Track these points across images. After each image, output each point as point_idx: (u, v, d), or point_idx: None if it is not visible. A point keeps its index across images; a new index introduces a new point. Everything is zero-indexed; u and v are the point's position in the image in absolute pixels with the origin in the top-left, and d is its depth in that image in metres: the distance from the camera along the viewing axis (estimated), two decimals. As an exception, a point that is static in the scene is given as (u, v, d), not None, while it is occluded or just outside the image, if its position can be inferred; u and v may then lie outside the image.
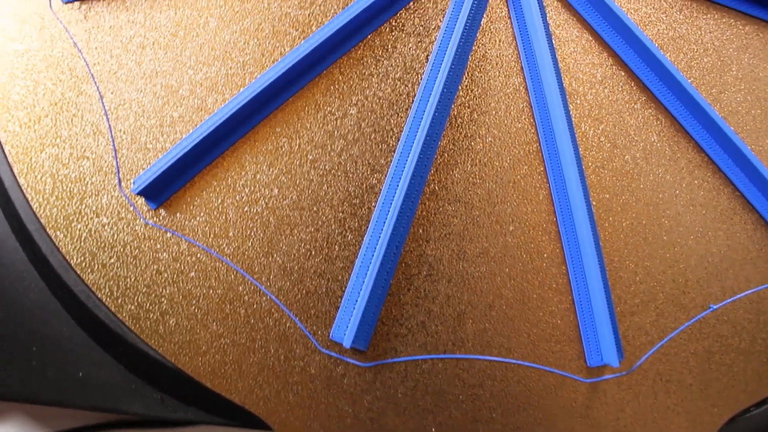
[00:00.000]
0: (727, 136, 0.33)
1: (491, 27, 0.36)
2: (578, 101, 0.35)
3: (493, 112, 0.35)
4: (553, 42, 0.36)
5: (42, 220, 0.34)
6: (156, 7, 0.36)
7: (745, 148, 0.33)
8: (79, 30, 0.36)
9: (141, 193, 0.32)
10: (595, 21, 0.36)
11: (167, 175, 0.32)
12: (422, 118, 0.33)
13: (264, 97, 0.34)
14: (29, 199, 0.35)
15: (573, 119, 0.35)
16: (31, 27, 0.37)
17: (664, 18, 0.37)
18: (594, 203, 0.34)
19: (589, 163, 0.34)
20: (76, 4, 0.37)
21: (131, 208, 0.34)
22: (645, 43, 0.34)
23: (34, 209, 0.34)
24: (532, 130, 0.35)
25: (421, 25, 0.36)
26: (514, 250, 0.33)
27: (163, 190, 0.34)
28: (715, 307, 0.33)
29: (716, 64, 0.36)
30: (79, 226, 0.34)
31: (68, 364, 0.32)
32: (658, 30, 0.37)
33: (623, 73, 0.36)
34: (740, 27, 0.37)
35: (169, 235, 0.33)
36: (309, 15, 0.36)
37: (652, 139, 0.35)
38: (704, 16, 0.37)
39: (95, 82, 0.36)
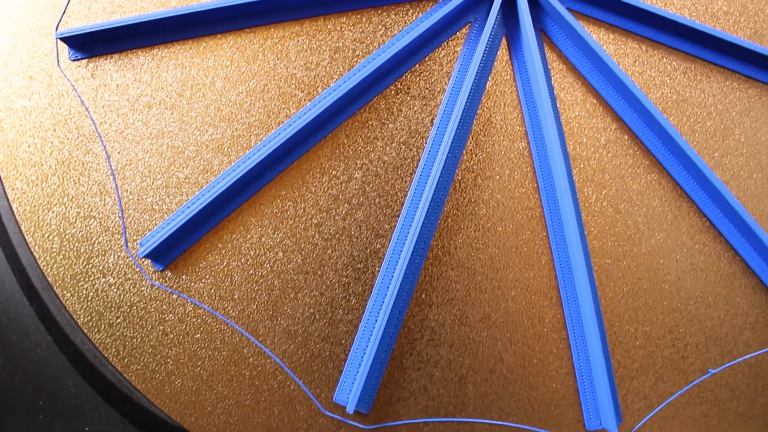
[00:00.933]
0: (727, 202, 0.38)
1: (496, 90, 0.41)
2: (582, 166, 0.40)
3: (497, 177, 0.40)
4: (558, 106, 0.41)
5: (49, 279, 0.39)
6: (163, 66, 0.42)
7: (745, 214, 0.38)
8: (86, 88, 0.42)
9: (148, 256, 0.37)
10: (599, 84, 0.41)
11: (173, 238, 0.38)
12: (427, 183, 0.38)
13: (269, 161, 0.39)
14: (37, 257, 0.40)
15: (576, 184, 0.40)
16: (39, 84, 0.42)
17: (668, 81, 0.42)
18: (595, 268, 0.39)
19: (592, 228, 0.39)
20: (84, 61, 0.42)
21: (138, 269, 0.39)
22: (648, 108, 0.39)
23: (42, 267, 0.39)
24: (536, 195, 0.40)
25: (427, 88, 0.41)
26: (516, 316, 0.38)
27: (169, 252, 0.39)
28: (713, 371, 0.37)
29: (719, 128, 0.41)
30: (86, 286, 0.39)
31: (75, 419, 0.37)
32: (662, 93, 0.42)
33: (626, 137, 0.41)
34: (743, 90, 0.42)
35: (175, 296, 0.39)
36: (314, 77, 0.41)
37: (654, 204, 0.40)
38: (708, 79, 0.42)
39: (102, 142, 0.41)
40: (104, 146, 0.40)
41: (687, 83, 0.41)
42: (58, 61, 0.42)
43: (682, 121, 0.41)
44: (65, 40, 0.40)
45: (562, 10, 0.40)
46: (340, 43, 0.41)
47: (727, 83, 0.42)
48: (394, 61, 0.39)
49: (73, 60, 0.41)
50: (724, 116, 0.41)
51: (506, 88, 0.41)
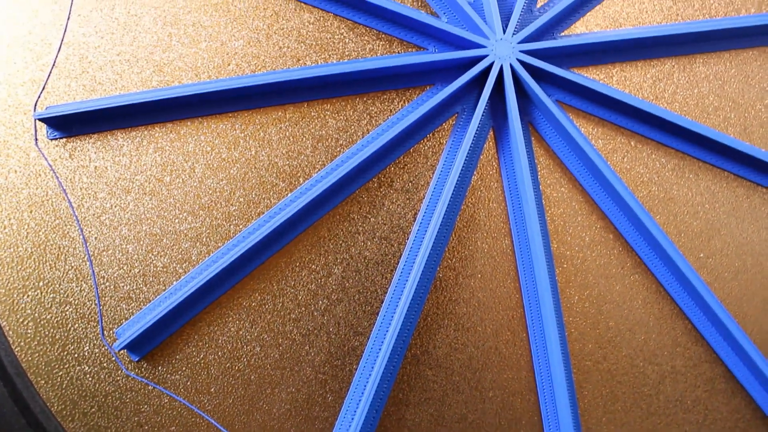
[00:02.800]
0: (709, 306, 0.48)
1: (481, 185, 0.52)
2: (565, 265, 0.51)
3: (479, 276, 0.50)
4: (543, 203, 0.51)
5: (23, 365, 0.50)
6: (142, 149, 0.52)
7: (727, 318, 0.48)
8: (64, 169, 0.52)
9: (124, 348, 0.48)
10: (586, 181, 0.51)
11: (151, 330, 0.48)
12: (407, 281, 0.49)
13: (248, 254, 0.49)
14: (11, 342, 0.50)
15: (559, 284, 0.50)
16: (16, 162, 0.52)
17: (656, 179, 0.52)
18: (575, 370, 0.49)
19: (573, 330, 0.50)
20: (62, 140, 0.52)
21: (113, 358, 0.49)
22: (633, 209, 0.49)
23: (16, 353, 0.50)
24: (517, 295, 0.50)
25: (410, 182, 0.51)
26: (493, 417, 0.48)
27: (146, 343, 0.49)
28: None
29: (705, 228, 0.52)
30: (60, 373, 0.49)
31: None
32: (650, 191, 0.52)
33: (611, 236, 0.51)
34: (732, 189, 0.53)
35: (150, 387, 0.49)
36: (296, 166, 0.52)
37: (637, 305, 0.50)
38: (696, 177, 0.53)
39: (79, 226, 0.51)
40: (81, 231, 0.50)
41: (675, 181, 0.52)
42: (36, 139, 0.52)
43: (668, 221, 0.51)
44: (43, 119, 0.50)
45: (550, 104, 0.50)
46: (323, 132, 0.52)
47: (716, 181, 0.52)
48: (378, 154, 0.50)
49: (52, 139, 0.52)
50: (711, 216, 0.52)
51: (492, 184, 0.51)
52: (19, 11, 0.53)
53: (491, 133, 0.52)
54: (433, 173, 0.51)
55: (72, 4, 0.54)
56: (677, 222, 0.51)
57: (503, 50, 0.51)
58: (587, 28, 0.54)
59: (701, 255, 0.51)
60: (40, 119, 0.51)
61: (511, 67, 0.51)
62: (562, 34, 0.54)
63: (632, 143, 0.52)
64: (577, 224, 0.51)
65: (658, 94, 0.54)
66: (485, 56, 0.51)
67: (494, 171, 0.51)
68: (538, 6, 0.54)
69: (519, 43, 0.51)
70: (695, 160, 0.52)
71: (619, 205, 0.50)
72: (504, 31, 0.52)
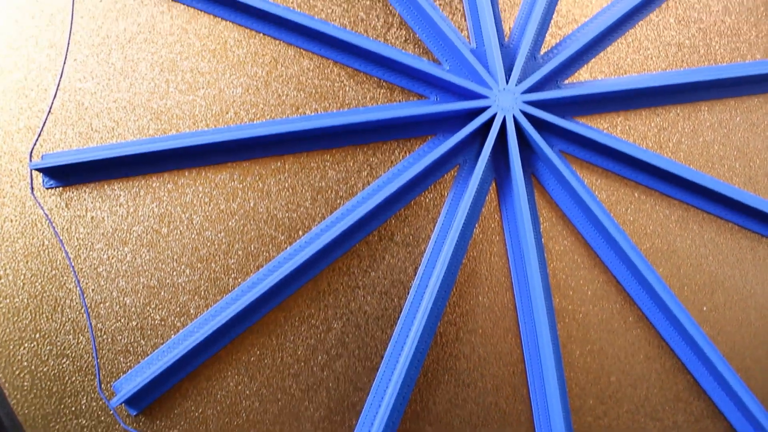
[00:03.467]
0: (711, 362, 0.52)
1: (483, 239, 0.56)
2: (567, 320, 0.55)
3: (480, 331, 0.54)
4: (546, 256, 0.55)
5: (20, 418, 0.54)
6: (139, 200, 0.56)
7: (729, 373, 0.52)
8: (60, 218, 0.56)
9: (122, 403, 0.51)
10: (589, 234, 0.55)
11: (149, 385, 0.52)
12: (408, 336, 0.53)
13: (247, 309, 0.53)
14: (7, 394, 0.54)
15: (560, 339, 0.54)
16: (11, 211, 0.56)
17: (660, 231, 0.56)
18: (575, 427, 0.53)
19: (574, 385, 0.54)
20: (58, 189, 0.56)
21: (111, 412, 0.53)
22: (636, 263, 0.53)
23: (12, 406, 0.54)
24: (518, 350, 0.54)
25: (411, 235, 0.55)
26: None
27: (144, 398, 0.53)
28: None
29: (708, 281, 0.56)
30: (57, 427, 0.53)
31: None
32: (653, 243, 0.56)
33: (614, 290, 0.55)
34: (736, 241, 0.56)
35: None
36: (296, 218, 0.55)
37: (639, 360, 0.54)
38: (700, 228, 0.57)
39: (76, 277, 0.55)
40: (78, 282, 0.54)
41: (679, 232, 0.56)
42: (32, 188, 0.56)
43: (671, 273, 0.55)
44: (39, 169, 0.54)
45: (552, 156, 0.54)
46: (323, 183, 0.55)
47: (720, 233, 0.56)
48: (379, 207, 0.54)
49: (48, 188, 0.55)
50: (715, 268, 0.55)
51: (494, 237, 0.55)
52: (15, 56, 0.57)
53: (493, 184, 0.56)
54: (434, 226, 0.55)
55: (68, 49, 0.57)
56: (680, 275, 0.55)
57: (506, 101, 0.54)
58: (591, 75, 0.58)
59: (704, 308, 0.55)
60: (35, 169, 0.54)
61: (514, 118, 0.54)
62: (566, 81, 0.57)
63: (636, 194, 0.56)
64: (579, 278, 0.54)
65: (663, 143, 0.57)
66: (488, 107, 0.54)
67: (496, 224, 0.55)
68: (542, 53, 0.58)
69: (522, 93, 0.55)
70: (699, 211, 0.56)
71: (622, 259, 0.54)
72: (507, 81, 0.55)
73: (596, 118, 0.57)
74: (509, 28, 0.58)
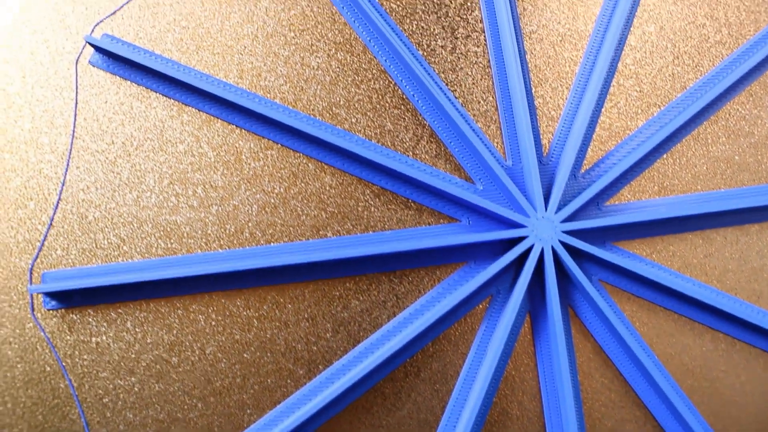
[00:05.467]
0: None
1: (515, 375, 0.54)
2: None
3: None
4: (581, 395, 0.53)
5: None
6: (148, 325, 0.54)
7: None
8: (62, 343, 0.54)
9: None
10: (627, 370, 0.56)
11: None
12: None
13: None
14: None
15: None
16: (9, 332, 0.54)
17: (703, 367, 0.55)
18: None
19: None
20: (61, 311, 0.53)
21: None
22: (675, 403, 0.53)
23: None
24: None
25: (439, 371, 0.53)
26: None
27: None
28: None
29: (753, 422, 0.54)
30: None
31: None
32: (695, 381, 0.56)
33: (652, 430, 0.53)
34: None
35: None
36: (316, 351, 0.53)
37: None
38: (747, 364, 0.56)
39: (80, 408, 0.53)
40: (82, 413, 0.52)
41: (723, 368, 0.54)
42: (32, 308, 0.53)
43: (714, 412, 0.54)
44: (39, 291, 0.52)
45: (591, 288, 0.52)
46: (346, 314, 0.53)
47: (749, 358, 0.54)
48: (406, 343, 0.51)
49: (49, 309, 0.53)
50: (762, 407, 0.54)
51: (527, 374, 0.53)
52: (13, 160, 0.56)
53: (527, 316, 0.53)
54: (463, 361, 0.53)
55: (70, 155, 0.55)
56: (723, 415, 0.54)
57: (545, 231, 0.52)
58: (634, 195, 0.56)
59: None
60: (36, 293, 0.52)
61: (553, 248, 0.51)
62: (607, 203, 0.55)
63: (678, 326, 0.55)
64: (616, 418, 0.53)
65: (708, 270, 0.55)
66: (525, 236, 0.52)
67: (529, 358, 0.53)
68: (583, 170, 0.55)
69: (561, 222, 0.52)
70: (746, 345, 0.54)
71: (661, 398, 0.53)
72: (546, 206, 0.52)
73: (637, 243, 0.54)
74: (548, 141, 0.55)
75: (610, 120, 0.59)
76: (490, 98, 0.59)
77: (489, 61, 0.59)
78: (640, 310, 0.57)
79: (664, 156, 0.59)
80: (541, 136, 0.59)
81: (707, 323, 0.57)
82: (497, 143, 0.58)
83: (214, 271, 0.54)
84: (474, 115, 0.59)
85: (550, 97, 0.59)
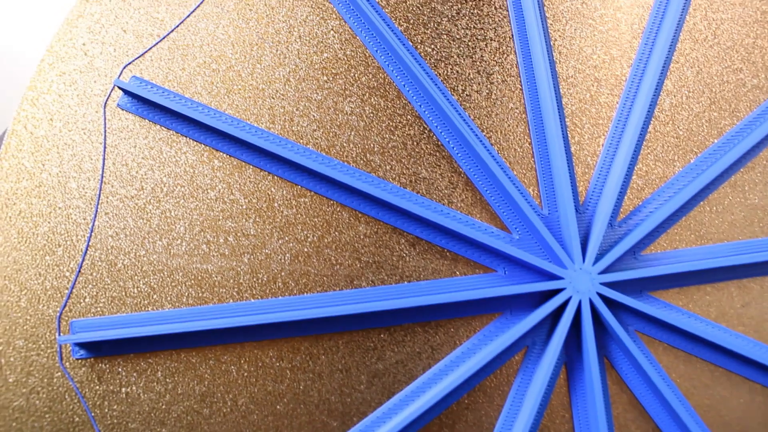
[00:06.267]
0: None
1: (551, 427, 0.53)
2: None
3: None
4: None
5: None
6: (179, 375, 0.54)
7: None
8: (92, 393, 0.53)
9: None
10: (663, 423, 0.56)
11: None
12: None
13: None
14: None
15: None
16: (37, 381, 0.54)
17: (741, 419, 0.56)
18: None
19: None
20: (90, 360, 0.53)
21: None
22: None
23: None
24: None
25: (475, 423, 0.54)
26: None
27: None
28: None
29: None
30: None
31: None
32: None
33: None
34: None
35: None
36: (350, 403, 0.53)
37: None
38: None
39: None
40: None
41: (761, 420, 0.54)
42: (60, 357, 0.53)
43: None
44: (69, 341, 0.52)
45: (627, 340, 0.53)
46: (380, 366, 0.53)
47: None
48: (441, 396, 0.51)
49: (77, 358, 0.52)
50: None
51: (562, 426, 0.53)
52: (40, 205, 0.56)
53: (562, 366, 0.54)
54: (499, 414, 0.52)
55: (98, 201, 0.54)
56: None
57: (583, 283, 0.53)
58: (671, 244, 0.56)
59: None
60: (64, 343, 0.51)
61: (590, 301, 0.51)
62: (644, 252, 0.54)
63: (714, 377, 0.55)
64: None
65: (745, 321, 0.55)
66: (563, 289, 0.51)
67: (565, 410, 0.53)
68: (619, 218, 0.54)
69: (599, 273, 0.51)
70: (784, 398, 0.54)
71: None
72: (583, 257, 0.52)
73: (674, 292, 0.54)
74: (584, 188, 0.55)
75: (646, 167, 0.59)
76: (526, 144, 0.59)
77: (525, 106, 0.59)
78: (676, 361, 0.57)
79: (701, 203, 0.58)
80: (577, 182, 0.58)
81: (744, 374, 0.57)
82: (533, 190, 0.58)
83: (247, 324, 0.54)
84: (510, 162, 0.58)
85: (587, 143, 0.59)
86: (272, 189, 0.58)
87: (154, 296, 0.57)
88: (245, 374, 0.56)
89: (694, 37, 0.62)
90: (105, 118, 0.59)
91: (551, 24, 0.61)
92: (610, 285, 0.56)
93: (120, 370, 0.56)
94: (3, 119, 0.73)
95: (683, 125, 0.60)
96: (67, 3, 0.76)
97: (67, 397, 0.56)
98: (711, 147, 0.60)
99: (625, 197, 0.59)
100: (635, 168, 0.59)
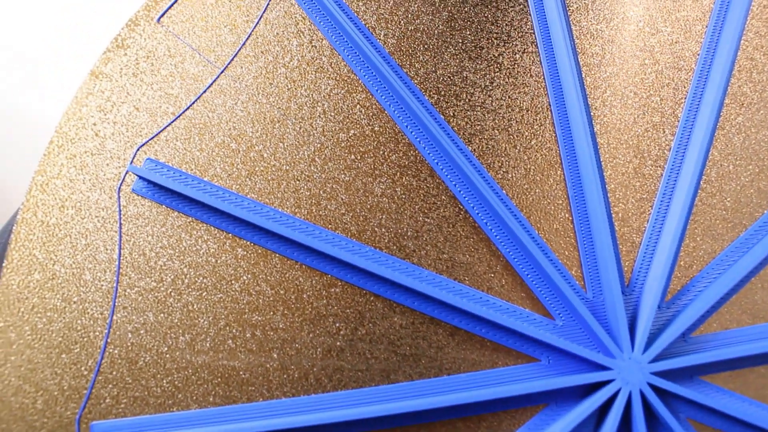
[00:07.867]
0: None
1: None
2: None
3: None
4: None
5: None
6: None
7: None
8: None
9: None
10: None
11: None
12: None
13: None
14: None
15: None
16: None
17: None
18: None
19: None
20: None
21: None
22: None
23: None
24: None
25: None
26: None
27: None
28: None
29: None
30: None
31: None
32: None
33: None
34: None
35: None
36: None
37: None
38: None
39: None
40: None
41: None
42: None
43: None
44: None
45: (679, 430, 0.49)
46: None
47: None
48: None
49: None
50: None
51: None
52: (55, 299, 0.56)
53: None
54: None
55: (115, 295, 0.52)
56: None
57: (633, 374, 0.52)
58: (721, 324, 0.54)
59: None
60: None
61: (641, 392, 0.49)
62: (694, 334, 0.52)
63: (771, 465, 0.52)
64: None
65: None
66: (611, 380, 0.49)
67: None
68: (667, 299, 0.52)
69: (650, 362, 0.49)
70: None
71: None
72: (632, 346, 0.50)
73: (726, 376, 0.52)
74: (628, 267, 0.52)
75: (694, 243, 0.57)
76: (568, 223, 0.56)
77: (565, 182, 0.57)
78: (728, 452, 0.55)
79: (752, 279, 0.56)
80: (621, 262, 0.56)
81: (800, 461, 0.55)
82: (576, 271, 0.56)
83: (280, 427, 0.51)
84: (550, 242, 0.56)
85: (632, 220, 0.56)
86: (300, 279, 0.56)
87: (179, 396, 0.55)
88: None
89: (739, 101, 0.60)
90: (120, 205, 0.56)
91: (590, 92, 0.59)
92: (661, 374, 0.54)
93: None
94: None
95: (731, 196, 0.58)
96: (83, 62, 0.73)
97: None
98: (761, 219, 0.58)
99: (673, 275, 0.57)
100: (683, 243, 0.58)
